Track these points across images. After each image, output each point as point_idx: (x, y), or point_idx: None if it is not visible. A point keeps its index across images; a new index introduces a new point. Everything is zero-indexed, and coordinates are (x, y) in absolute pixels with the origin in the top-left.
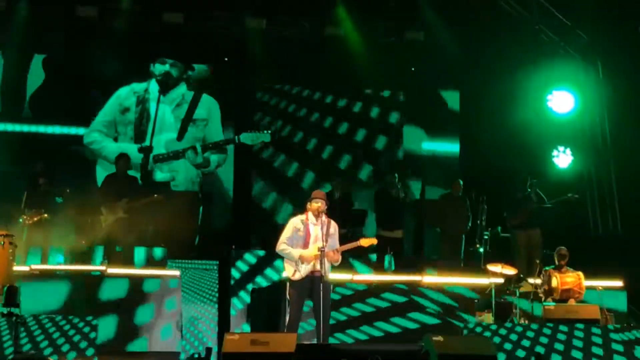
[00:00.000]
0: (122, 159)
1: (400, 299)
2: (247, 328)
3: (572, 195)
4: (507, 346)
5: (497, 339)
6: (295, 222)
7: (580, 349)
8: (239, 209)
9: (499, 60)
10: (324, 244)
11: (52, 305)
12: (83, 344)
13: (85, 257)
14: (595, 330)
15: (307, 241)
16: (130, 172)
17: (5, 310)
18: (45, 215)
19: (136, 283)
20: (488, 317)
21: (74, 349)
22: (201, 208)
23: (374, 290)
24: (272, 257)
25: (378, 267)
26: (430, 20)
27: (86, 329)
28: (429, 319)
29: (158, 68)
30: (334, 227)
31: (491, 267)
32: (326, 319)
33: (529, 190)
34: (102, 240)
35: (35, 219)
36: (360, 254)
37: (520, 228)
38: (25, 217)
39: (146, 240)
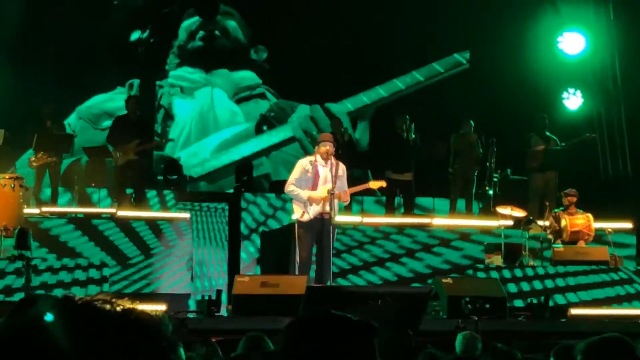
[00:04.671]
0: (132, 100)
1: (410, 241)
2: (257, 271)
3: (589, 135)
4: (516, 288)
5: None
6: (304, 164)
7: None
8: None
9: (509, 1)
10: (333, 186)
11: (62, 247)
12: (93, 286)
13: (95, 199)
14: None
15: (315, 183)
16: None
17: (17, 253)
18: (54, 159)
19: (146, 225)
20: (497, 259)
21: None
22: None
23: (384, 232)
24: (282, 199)
25: (388, 209)
26: None
27: (95, 272)
28: (438, 261)
29: None
30: (342, 169)
31: (501, 210)
32: (329, 262)
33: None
34: (113, 182)
35: (42, 161)
36: (370, 196)
37: (537, 171)
38: (32, 159)
39: (155, 182)
